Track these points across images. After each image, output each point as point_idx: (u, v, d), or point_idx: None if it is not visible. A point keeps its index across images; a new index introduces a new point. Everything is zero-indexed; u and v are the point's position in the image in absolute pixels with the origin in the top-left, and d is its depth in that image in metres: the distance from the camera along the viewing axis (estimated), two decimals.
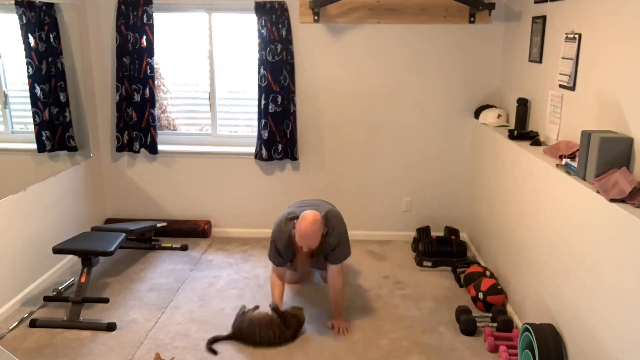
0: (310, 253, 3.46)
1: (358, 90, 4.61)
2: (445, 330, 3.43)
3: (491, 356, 3.16)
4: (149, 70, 4.55)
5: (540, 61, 3.61)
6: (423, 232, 4.60)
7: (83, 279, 3.55)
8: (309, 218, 3.21)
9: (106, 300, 3.65)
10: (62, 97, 4.15)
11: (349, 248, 3.47)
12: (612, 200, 2.26)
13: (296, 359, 3.13)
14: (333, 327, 3.41)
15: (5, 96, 3.72)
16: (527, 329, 2.79)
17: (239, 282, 4.07)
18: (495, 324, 3.37)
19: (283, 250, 3.39)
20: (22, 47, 3.79)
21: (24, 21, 3.77)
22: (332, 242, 3.37)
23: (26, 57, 3.82)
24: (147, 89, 4.58)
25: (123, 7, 4.46)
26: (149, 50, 4.52)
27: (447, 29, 4.46)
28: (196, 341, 3.29)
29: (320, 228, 3.25)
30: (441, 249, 4.36)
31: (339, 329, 3.38)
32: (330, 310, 3.52)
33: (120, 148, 4.73)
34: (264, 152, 4.63)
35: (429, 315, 3.61)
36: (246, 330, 3.23)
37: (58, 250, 3.59)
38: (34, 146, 3.92)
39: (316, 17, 4.44)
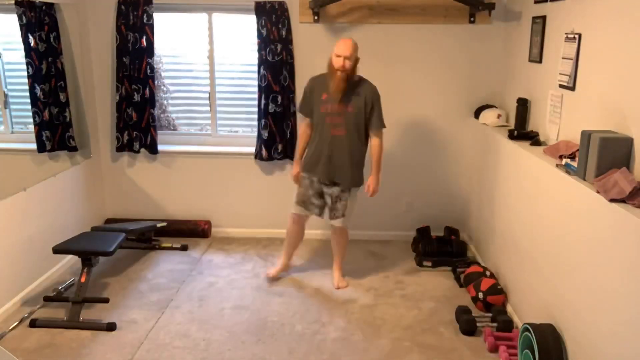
0: (344, 83, 3.60)
1: None
2: (445, 330, 3.43)
3: (491, 356, 3.16)
4: (149, 70, 4.55)
5: (540, 61, 3.61)
6: (423, 232, 4.60)
7: (83, 279, 3.55)
8: (348, 38, 3.69)
9: (106, 300, 3.65)
10: (62, 97, 4.15)
11: (383, 118, 3.75)
12: (612, 200, 2.26)
13: (296, 359, 3.13)
14: (368, 186, 3.83)
15: (5, 96, 3.73)
16: (527, 329, 2.79)
17: (239, 282, 4.07)
18: (495, 324, 3.37)
19: (316, 85, 3.80)
20: (22, 47, 3.79)
21: (24, 21, 3.77)
22: (367, 93, 3.68)
23: (26, 57, 3.82)
24: (147, 89, 4.58)
25: (123, 7, 4.46)
26: (149, 50, 4.52)
27: (447, 29, 4.46)
28: (196, 341, 3.30)
29: (354, 45, 3.61)
30: (441, 249, 4.36)
31: (369, 187, 3.82)
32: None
33: (120, 148, 4.73)
34: (264, 152, 4.63)
35: (429, 315, 3.61)
36: None
37: (58, 250, 3.59)
38: (34, 146, 3.92)
39: (316, 17, 4.44)
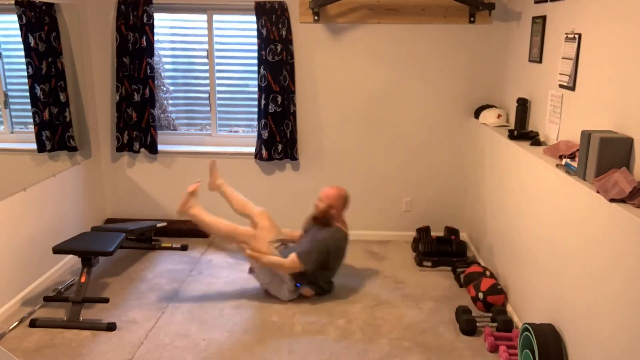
0: (313, 221, 3.92)
1: (358, 90, 4.61)
2: (445, 330, 3.43)
3: (491, 356, 3.16)
4: (149, 70, 4.55)
5: (540, 61, 3.61)
6: (423, 232, 4.61)
7: (83, 279, 3.55)
8: (339, 188, 3.96)
9: (106, 300, 3.65)
10: (62, 97, 4.15)
11: (312, 256, 3.69)
12: (612, 200, 2.26)
13: (296, 359, 3.13)
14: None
15: (6, 96, 3.73)
16: (527, 329, 2.79)
17: (238, 282, 4.07)
18: (495, 324, 3.37)
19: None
20: (22, 47, 3.79)
21: (24, 21, 3.77)
22: (319, 236, 3.79)
23: (26, 57, 3.82)
24: (147, 89, 4.58)
25: (123, 7, 4.46)
26: (149, 50, 4.52)
27: (447, 29, 4.47)
28: (196, 341, 3.30)
29: (334, 197, 3.88)
30: (441, 249, 4.36)
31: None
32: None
33: (120, 148, 4.73)
34: (264, 152, 4.63)
35: (429, 315, 3.61)
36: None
37: (58, 250, 3.59)
38: (34, 146, 3.92)
39: (316, 17, 4.44)
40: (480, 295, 3.60)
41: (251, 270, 3.89)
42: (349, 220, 4.85)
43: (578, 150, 2.75)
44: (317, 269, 3.74)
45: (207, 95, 4.81)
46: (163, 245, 4.64)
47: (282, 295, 3.75)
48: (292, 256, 3.67)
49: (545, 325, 2.77)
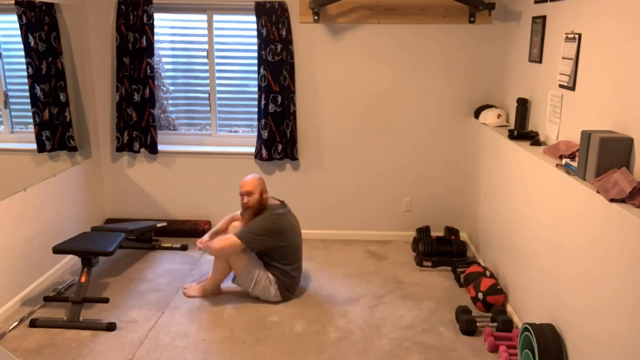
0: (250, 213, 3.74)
1: (358, 90, 4.61)
2: (445, 330, 3.43)
3: (491, 356, 3.16)
4: (149, 70, 4.55)
5: (540, 61, 3.61)
6: (423, 232, 4.61)
7: (83, 279, 3.55)
8: (252, 175, 3.84)
9: (106, 300, 3.65)
10: (62, 97, 4.15)
11: (251, 235, 3.62)
12: (612, 200, 2.26)
13: (296, 359, 3.13)
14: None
15: (6, 96, 3.73)
16: (527, 329, 2.79)
17: None
18: (495, 324, 3.37)
19: None
20: (22, 47, 3.79)
21: (24, 21, 3.77)
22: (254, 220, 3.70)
23: (26, 57, 3.82)
24: (147, 89, 4.58)
25: (123, 7, 4.46)
26: (149, 50, 4.52)
27: (447, 29, 4.47)
28: (196, 341, 3.29)
29: (257, 183, 3.75)
30: (441, 249, 4.36)
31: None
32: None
33: (120, 148, 4.73)
34: (264, 152, 4.63)
35: (429, 315, 3.61)
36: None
37: (58, 250, 3.59)
38: (34, 146, 3.92)
39: (316, 17, 4.44)
40: (480, 295, 3.61)
41: (234, 279, 3.79)
42: (349, 219, 4.86)
43: (578, 150, 2.75)
44: (273, 255, 3.69)
45: (207, 95, 4.81)
46: (163, 245, 4.64)
47: (273, 296, 3.73)
48: (230, 235, 3.62)
49: (545, 325, 2.77)
